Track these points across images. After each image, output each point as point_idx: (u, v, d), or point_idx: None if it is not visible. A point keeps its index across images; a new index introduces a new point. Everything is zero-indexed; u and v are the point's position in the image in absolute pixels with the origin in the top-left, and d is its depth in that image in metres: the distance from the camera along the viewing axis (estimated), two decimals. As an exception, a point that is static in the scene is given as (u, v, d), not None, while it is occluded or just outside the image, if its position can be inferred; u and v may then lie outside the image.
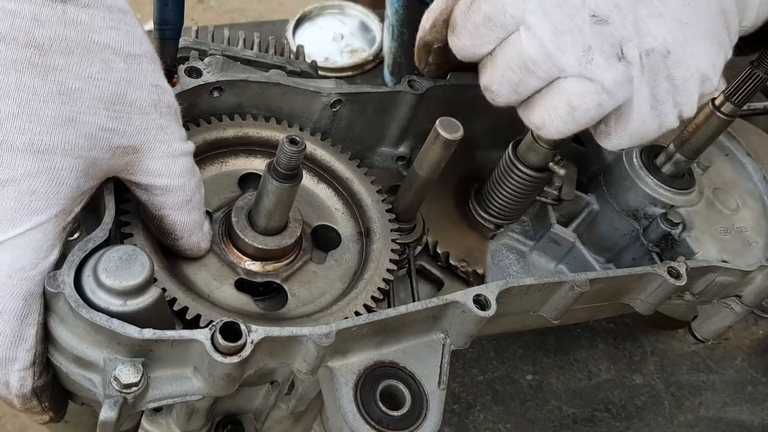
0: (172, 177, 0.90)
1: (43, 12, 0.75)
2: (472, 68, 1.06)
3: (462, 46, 0.99)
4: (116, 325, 0.80)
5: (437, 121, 1.01)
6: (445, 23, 1.01)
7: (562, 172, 1.15)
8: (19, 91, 0.75)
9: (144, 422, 1.19)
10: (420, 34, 1.06)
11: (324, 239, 1.14)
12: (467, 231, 1.28)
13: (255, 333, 0.84)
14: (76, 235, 0.89)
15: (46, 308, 0.84)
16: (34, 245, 0.80)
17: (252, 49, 1.32)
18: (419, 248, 1.23)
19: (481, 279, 1.25)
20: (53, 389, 0.90)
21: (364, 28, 2.25)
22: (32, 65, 0.75)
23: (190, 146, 0.93)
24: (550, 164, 1.15)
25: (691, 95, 0.96)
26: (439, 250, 1.21)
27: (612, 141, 1.01)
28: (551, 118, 0.97)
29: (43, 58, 0.75)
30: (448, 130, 1.01)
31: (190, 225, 0.95)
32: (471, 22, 0.95)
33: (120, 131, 0.83)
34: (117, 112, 0.82)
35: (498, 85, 0.97)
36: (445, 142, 1.01)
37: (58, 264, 0.84)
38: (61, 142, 0.78)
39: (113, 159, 0.85)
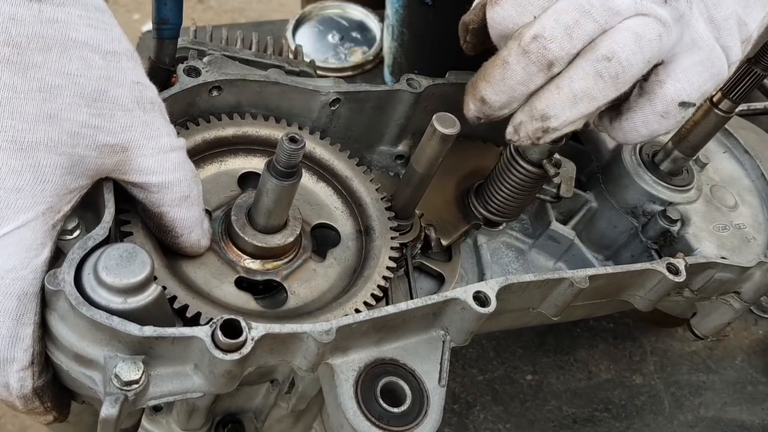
0: (167, 173, 0.90)
1: (19, 11, 0.75)
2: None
3: (505, 15, 0.96)
4: (117, 322, 0.80)
5: (434, 117, 1.01)
6: (483, 7, 1.00)
7: (552, 171, 1.15)
8: None
9: (144, 421, 1.20)
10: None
11: (324, 237, 1.15)
12: (454, 212, 1.29)
13: (255, 330, 0.84)
14: (76, 234, 0.89)
15: (47, 306, 0.84)
16: (23, 244, 0.80)
17: (250, 49, 1.32)
18: (417, 247, 1.23)
19: (444, 251, 1.26)
20: (54, 389, 0.89)
21: (364, 28, 2.25)
22: (11, 63, 0.75)
23: (181, 141, 0.93)
24: (544, 162, 1.15)
25: (734, 37, 0.98)
26: (417, 210, 1.20)
27: (667, 89, 0.98)
28: (621, 48, 0.93)
29: (21, 56, 0.76)
30: (444, 125, 1.01)
31: (190, 221, 0.95)
32: None
33: (104, 128, 0.83)
34: (99, 109, 0.82)
35: (551, 29, 0.92)
36: (442, 137, 1.01)
37: (53, 263, 0.84)
38: (43, 138, 0.78)
39: (101, 158, 0.85)
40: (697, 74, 0.98)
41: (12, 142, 0.77)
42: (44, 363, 0.86)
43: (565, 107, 0.96)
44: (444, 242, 1.24)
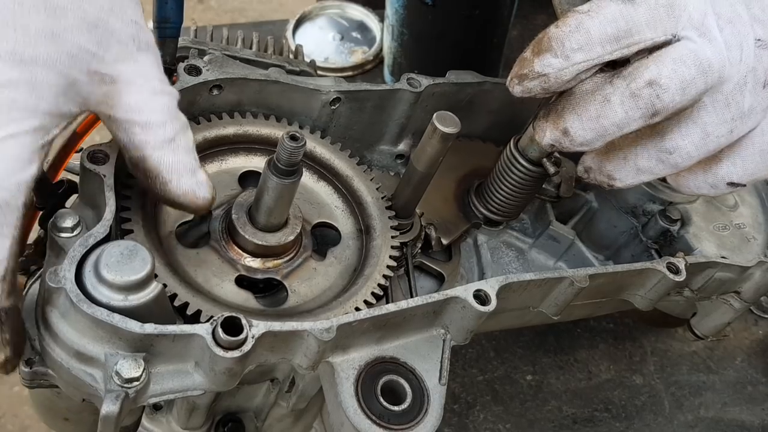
0: (152, 113, 0.89)
1: None
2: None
3: (638, 19, 0.91)
4: (117, 319, 0.80)
5: (434, 115, 1.02)
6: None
7: (552, 170, 1.15)
8: (5, 2, 0.77)
9: (144, 420, 1.20)
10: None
11: (324, 236, 1.15)
12: (454, 211, 1.29)
13: (256, 328, 0.85)
14: (77, 231, 0.89)
15: (48, 303, 0.84)
16: (10, 154, 0.79)
17: (251, 48, 1.32)
18: (418, 246, 1.23)
19: (444, 250, 1.26)
20: (16, 324, 0.86)
21: (364, 28, 2.25)
22: None
23: (173, 91, 0.93)
24: (543, 160, 1.15)
25: None
26: (417, 210, 1.20)
27: (721, 168, 1.00)
28: (686, 144, 0.97)
29: None
30: (445, 123, 1.01)
31: (176, 166, 0.93)
32: (653, 1, 0.91)
33: (99, 56, 0.84)
34: (98, 36, 0.83)
35: (668, 78, 0.90)
36: (442, 136, 1.01)
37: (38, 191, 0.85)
38: (43, 54, 0.79)
39: (92, 86, 0.85)
40: (754, 164, 1.00)
41: (12, 54, 0.78)
42: (14, 286, 0.83)
43: (629, 176, 1.03)
44: (444, 241, 1.24)
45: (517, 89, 0.98)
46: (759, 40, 0.93)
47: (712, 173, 1.01)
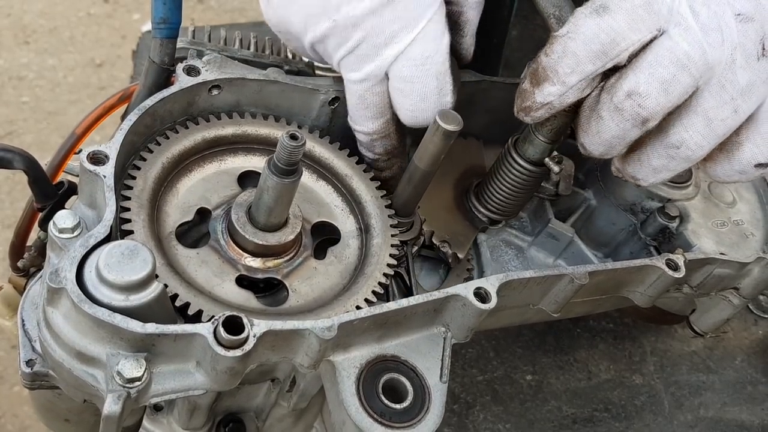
0: None
1: None
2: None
3: (618, 28, 0.90)
4: (119, 319, 0.80)
5: (437, 113, 1.02)
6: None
7: (556, 169, 1.15)
8: None
9: (145, 421, 1.20)
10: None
11: (324, 236, 1.15)
12: (460, 220, 1.29)
13: (257, 326, 0.85)
14: (77, 232, 0.89)
15: (49, 304, 0.84)
16: (432, 35, 1.02)
17: (249, 49, 1.32)
18: (417, 246, 1.23)
19: (459, 263, 1.26)
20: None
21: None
22: None
23: None
24: (546, 160, 1.15)
25: None
26: (424, 227, 1.21)
27: (744, 152, 0.97)
28: (691, 135, 0.95)
29: None
30: (447, 121, 1.01)
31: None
32: (629, 3, 0.90)
33: None
34: None
35: (646, 84, 0.90)
36: (444, 134, 1.02)
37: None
38: None
39: None
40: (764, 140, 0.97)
41: None
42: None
43: (648, 176, 1.03)
44: (460, 255, 1.24)
45: (528, 119, 1.02)
46: (739, 14, 0.91)
47: (736, 159, 0.99)
